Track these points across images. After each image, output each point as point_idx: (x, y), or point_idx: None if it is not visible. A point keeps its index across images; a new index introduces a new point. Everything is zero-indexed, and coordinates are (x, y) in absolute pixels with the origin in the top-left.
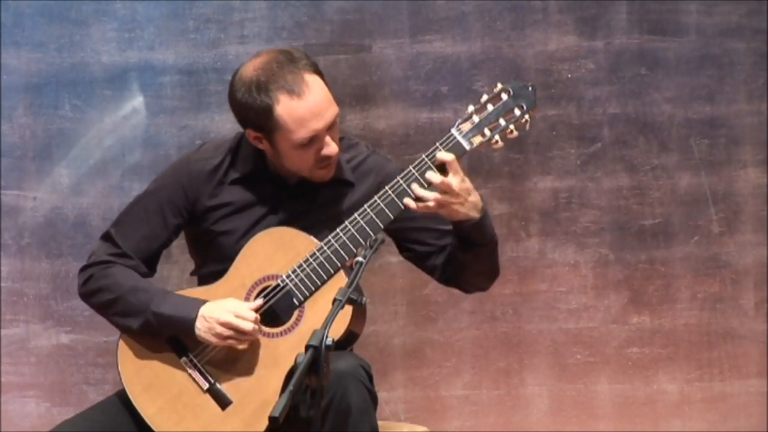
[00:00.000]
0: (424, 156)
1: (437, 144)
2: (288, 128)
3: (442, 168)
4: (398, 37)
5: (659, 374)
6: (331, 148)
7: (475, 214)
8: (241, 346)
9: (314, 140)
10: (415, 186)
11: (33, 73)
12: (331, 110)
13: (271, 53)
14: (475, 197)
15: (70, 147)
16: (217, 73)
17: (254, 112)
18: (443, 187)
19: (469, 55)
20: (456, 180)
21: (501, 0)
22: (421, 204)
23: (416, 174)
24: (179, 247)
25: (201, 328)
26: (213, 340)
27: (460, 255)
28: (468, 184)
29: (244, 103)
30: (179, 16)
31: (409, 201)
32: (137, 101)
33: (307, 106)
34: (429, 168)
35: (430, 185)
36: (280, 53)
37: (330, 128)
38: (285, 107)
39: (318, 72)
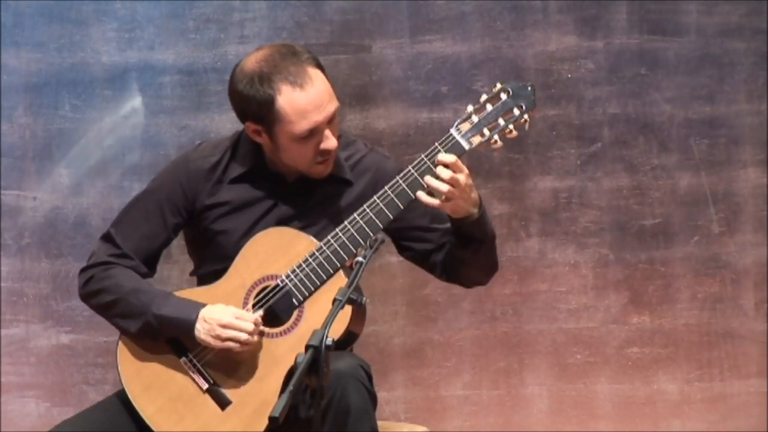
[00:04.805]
0: (423, 156)
1: (436, 144)
2: (289, 119)
3: (445, 167)
4: (398, 37)
5: (659, 374)
6: (330, 142)
7: (475, 210)
8: (239, 350)
9: (314, 133)
10: (428, 177)
11: (33, 73)
12: (332, 104)
13: (273, 47)
14: (475, 194)
15: (70, 147)
16: (217, 73)
17: (255, 103)
18: (452, 181)
19: (469, 55)
20: (462, 176)
21: (501, 0)
22: (432, 198)
23: (416, 174)
24: (179, 247)
25: (201, 330)
26: (212, 342)
27: (459, 252)
28: (471, 180)
29: (245, 95)
30: (179, 16)
31: (421, 194)
32: (137, 101)
33: (308, 97)
34: (429, 169)
35: (438, 179)
36: (282, 47)
37: (330, 122)
38: (287, 98)
39: (320, 66)
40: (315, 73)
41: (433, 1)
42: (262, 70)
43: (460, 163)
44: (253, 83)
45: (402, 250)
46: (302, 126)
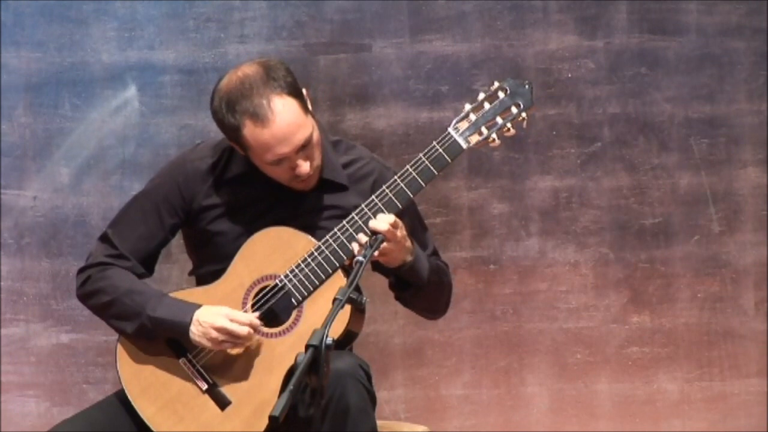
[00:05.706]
0: (421, 155)
1: (434, 143)
2: (255, 150)
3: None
4: (398, 37)
5: (659, 374)
6: (302, 168)
7: (409, 258)
8: (235, 351)
9: (283, 161)
10: (361, 236)
11: (33, 72)
12: (301, 134)
13: (252, 67)
14: (409, 242)
15: (70, 146)
16: (217, 72)
17: (225, 127)
18: (388, 235)
19: (469, 55)
20: (398, 231)
21: (501, 0)
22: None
23: (414, 174)
24: (179, 246)
25: (195, 332)
26: (207, 344)
27: (398, 293)
28: (405, 231)
29: (217, 117)
30: (179, 16)
31: (356, 246)
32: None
33: (271, 133)
34: (427, 169)
35: (375, 234)
36: (260, 68)
37: (302, 149)
38: (249, 132)
39: (293, 93)
40: (283, 104)
41: (433, 1)
42: (230, 97)
43: (395, 220)
44: (221, 108)
45: (374, 266)
46: (268, 157)
